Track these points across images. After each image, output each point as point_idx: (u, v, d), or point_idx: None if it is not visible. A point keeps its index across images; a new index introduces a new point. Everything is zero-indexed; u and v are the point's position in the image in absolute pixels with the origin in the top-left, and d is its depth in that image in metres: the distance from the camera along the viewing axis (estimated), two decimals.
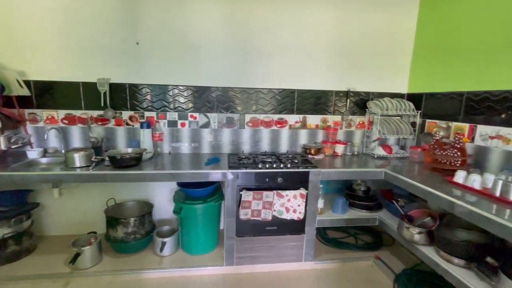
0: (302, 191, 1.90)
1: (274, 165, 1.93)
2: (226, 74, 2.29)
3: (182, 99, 2.29)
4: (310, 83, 2.40)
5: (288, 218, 1.92)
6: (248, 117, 2.39)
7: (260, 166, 1.91)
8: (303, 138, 2.49)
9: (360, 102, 2.48)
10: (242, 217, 1.87)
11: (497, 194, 1.38)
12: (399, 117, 2.40)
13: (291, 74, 2.36)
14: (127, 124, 2.27)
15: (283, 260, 2.04)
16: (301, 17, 2.27)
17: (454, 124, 2.00)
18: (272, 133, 2.44)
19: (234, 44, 2.25)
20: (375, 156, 2.35)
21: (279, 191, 1.89)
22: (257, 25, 2.24)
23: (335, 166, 2.04)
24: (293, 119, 2.44)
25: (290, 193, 1.89)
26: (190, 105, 2.30)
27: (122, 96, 2.22)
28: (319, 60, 2.37)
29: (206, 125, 2.35)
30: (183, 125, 2.33)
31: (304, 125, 2.47)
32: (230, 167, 1.89)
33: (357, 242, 2.38)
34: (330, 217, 2.07)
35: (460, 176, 1.60)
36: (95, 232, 2.11)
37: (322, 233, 2.46)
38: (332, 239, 2.39)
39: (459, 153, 1.81)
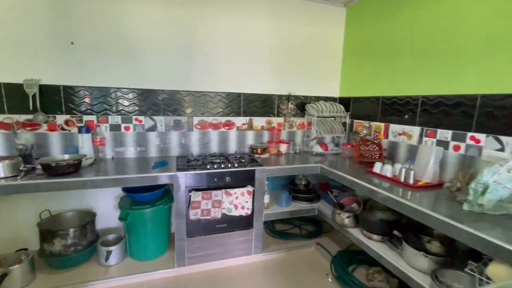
0: (249, 188, 2.04)
1: (222, 165, 2.02)
2: (173, 77, 2.30)
3: (125, 102, 2.22)
4: (255, 88, 2.56)
5: (237, 214, 2.03)
6: (196, 119, 2.43)
7: (208, 167, 1.99)
8: (250, 139, 2.64)
9: (300, 105, 2.75)
10: (192, 217, 1.92)
11: (402, 179, 1.72)
12: (332, 118, 2.73)
13: (237, 79, 2.49)
14: (63, 129, 2.11)
15: (234, 255, 2.15)
16: (244, 25, 2.42)
17: (374, 124, 2.37)
18: (220, 135, 2.53)
19: (180, 48, 2.28)
20: (314, 153, 2.63)
21: (228, 189, 1.99)
22: (202, 30, 2.31)
23: (279, 164, 2.23)
24: (240, 121, 2.57)
25: (238, 191, 2.01)
26: (135, 108, 2.25)
27: (56, 99, 2.06)
28: (262, 66, 2.55)
29: (153, 128, 2.33)
30: (127, 128, 2.26)
31: (250, 126, 2.62)
32: (178, 169, 1.92)
33: (301, 232, 2.62)
34: (275, 211, 2.25)
35: (377, 167, 1.93)
36: (26, 249, 1.92)
37: (270, 226, 2.65)
38: (279, 231, 2.59)
39: (377, 148, 2.17)
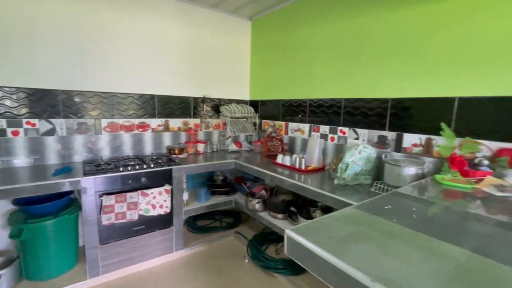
0: (167, 187, 2.10)
1: (137, 167, 2.02)
2: (74, 77, 2.13)
3: (10, 103, 1.93)
4: (169, 90, 2.61)
5: (156, 214, 2.07)
6: (105, 122, 2.31)
7: (121, 169, 1.95)
8: (167, 140, 2.67)
9: (215, 107, 2.95)
10: (104, 222, 1.85)
11: (297, 166, 2.13)
12: (245, 119, 3.04)
13: (150, 81, 2.49)
14: None
15: (154, 255, 2.16)
16: (154, 28, 2.45)
17: (277, 123, 2.80)
18: (134, 137, 2.48)
19: (84, 46, 2.13)
20: (230, 151, 2.87)
21: (144, 190, 2.00)
22: (108, 29, 2.23)
23: (197, 162, 2.36)
24: (155, 122, 2.58)
25: (155, 191, 2.05)
26: (25, 110, 1.98)
27: None
28: (177, 70, 2.63)
29: (51, 132, 2.09)
30: (15, 133, 1.96)
31: (167, 128, 2.66)
32: (86, 174, 1.82)
33: (221, 224, 2.82)
34: (195, 206, 2.37)
35: (279, 158, 2.30)
36: None
37: (192, 224, 2.75)
38: (200, 226, 2.72)
39: (280, 143, 2.57)
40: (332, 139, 2.21)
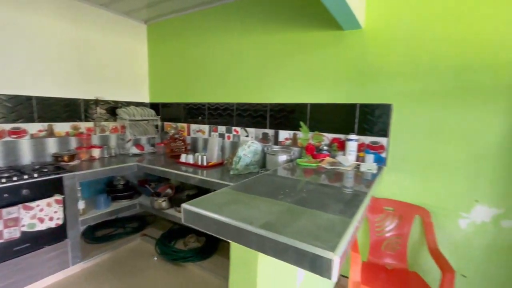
0: (57, 197, 1.94)
1: (15, 178, 1.79)
2: None
3: None
4: (53, 91, 2.35)
5: (44, 228, 1.88)
6: None
7: None
8: (52, 146, 2.39)
9: (110, 110, 2.83)
10: None
11: (199, 163, 2.37)
12: (146, 121, 3.04)
13: (26, 80, 2.19)
14: None
15: (47, 274, 1.95)
16: (34, 21, 2.17)
17: (179, 124, 2.96)
18: (5, 145, 2.12)
19: None
20: (131, 154, 2.82)
21: (27, 203, 1.79)
22: None
23: (93, 168, 2.25)
24: (34, 127, 2.27)
25: (42, 202, 1.86)
26: None
27: None
28: (62, 69, 2.39)
29: None
30: None
31: (51, 133, 2.38)
32: None
33: (125, 230, 2.75)
34: (94, 214, 2.26)
35: (183, 158, 2.49)
36: None
37: (90, 235, 2.56)
38: (100, 237, 2.57)
39: (183, 143, 2.75)
40: (228, 137, 2.58)
